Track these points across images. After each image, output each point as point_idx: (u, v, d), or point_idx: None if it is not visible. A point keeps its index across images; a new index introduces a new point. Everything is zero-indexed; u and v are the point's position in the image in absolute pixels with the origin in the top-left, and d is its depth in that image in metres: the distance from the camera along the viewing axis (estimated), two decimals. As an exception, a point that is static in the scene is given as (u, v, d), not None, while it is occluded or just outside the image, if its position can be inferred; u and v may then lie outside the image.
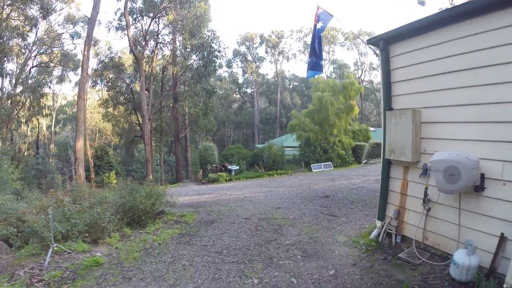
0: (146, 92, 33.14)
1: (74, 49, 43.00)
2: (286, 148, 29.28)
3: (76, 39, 42.07)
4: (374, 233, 7.21)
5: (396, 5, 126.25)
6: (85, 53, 25.76)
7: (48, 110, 40.34)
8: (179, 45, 35.67)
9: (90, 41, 26.83)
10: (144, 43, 33.50)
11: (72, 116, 63.24)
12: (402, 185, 6.66)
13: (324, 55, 73.15)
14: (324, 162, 26.20)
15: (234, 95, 79.03)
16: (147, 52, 36.52)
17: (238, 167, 25.91)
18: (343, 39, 73.00)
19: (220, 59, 34.92)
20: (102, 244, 7.45)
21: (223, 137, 74.31)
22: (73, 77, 49.18)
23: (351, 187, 14.75)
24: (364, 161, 29.70)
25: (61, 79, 46.32)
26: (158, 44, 35.86)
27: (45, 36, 40.70)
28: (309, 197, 12.74)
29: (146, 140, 30.92)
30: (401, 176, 6.65)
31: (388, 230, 6.89)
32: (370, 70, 75.34)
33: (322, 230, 8.09)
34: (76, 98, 67.21)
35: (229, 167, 25.43)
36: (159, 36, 35.31)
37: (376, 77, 76.44)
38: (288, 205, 11.57)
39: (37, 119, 40.84)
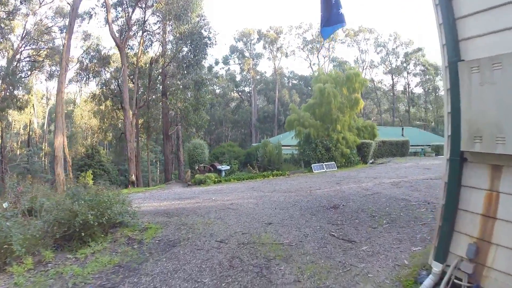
0: (131, 84, 30.56)
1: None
2: (283, 147, 26.38)
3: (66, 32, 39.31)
4: (428, 282, 4.09)
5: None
6: (66, 42, 23.81)
7: (20, 102, 37.23)
8: (167, 34, 32.85)
9: (71, 30, 24.63)
10: (127, 29, 30.56)
11: (66, 114, 61.67)
12: (487, 200, 3.55)
13: (324, 52, 71.80)
14: (326, 162, 23.19)
15: (232, 93, 77.17)
16: (135, 43, 34.07)
17: (229, 167, 23.00)
18: (344, 35, 71.55)
19: (211, 47, 31.76)
20: (5, 274, 5.30)
21: (220, 136, 72.45)
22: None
23: (363, 193, 11.66)
24: (371, 161, 26.91)
25: (50, 75, 43.91)
26: (145, 33, 33.03)
27: (34, 30, 38.68)
28: (312, 207, 9.70)
29: (128, 137, 28.12)
30: (487, 184, 3.55)
31: (456, 280, 3.80)
32: (371, 68, 73.53)
33: (335, 271, 4.95)
34: (68, 95, 65.90)
35: (219, 167, 22.52)
36: (146, 24, 32.44)
37: (377, 75, 74.74)
38: (283, 219, 8.56)
39: (6, 113, 37.83)
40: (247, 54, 72.66)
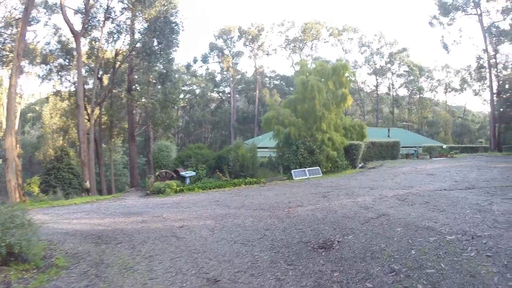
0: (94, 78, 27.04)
1: (35, 38, 36.99)
2: (261, 150, 23.23)
3: (35, 24, 35.63)
4: None
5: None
6: (20, 29, 21.07)
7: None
8: (133, 22, 29.35)
9: (27, 16, 22.26)
10: (85, 13, 27.01)
11: (40, 115, 58.76)
12: None
13: (307, 51, 70.39)
14: (309, 167, 19.82)
15: (211, 94, 74.01)
16: (100, 34, 30.39)
17: (194, 173, 19.35)
18: (327, 34, 69.91)
19: (178, 34, 28.10)
20: None
21: (199, 137, 69.16)
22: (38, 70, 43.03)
23: (364, 214, 8.28)
24: (360, 165, 23.74)
25: (21, 72, 39.77)
26: (109, 20, 29.43)
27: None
28: (289, 244, 6.28)
29: (81, 137, 24.66)
30: None
31: None
32: (354, 68, 71.47)
33: None
34: (42, 95, 61.92)
35: (182, 173, 18.92)
36: (109, 10, 28.87)
37: (360, 75, 74.56)
38: (240, 269, 5.27)
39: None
40: (227, 52, 69.45)
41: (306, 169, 19.42)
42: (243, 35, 68.04)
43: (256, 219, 8.61)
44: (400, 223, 7.15)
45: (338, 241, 6.14)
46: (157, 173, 19.49)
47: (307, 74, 22.21)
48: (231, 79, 68.83)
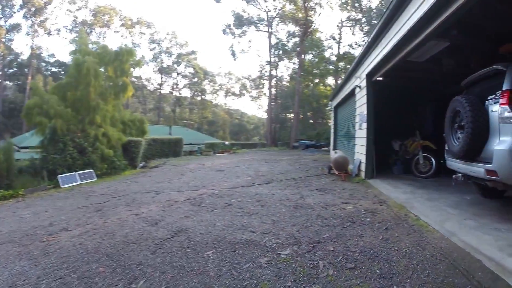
0: None
1: None
2: (25, 151, 19.61)
3: None
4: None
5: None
6: None
7: None
8: None
9: None
10: None
11: None
12: None
13: (94, 37, 65.67)
14: (80, 170, 16.10)
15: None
16: None
17: None
18: (120, 24, 67.65)
19: None
20: None
21: None
22: None
23: (153, 233, 5.81)
24: (142, 164, 21.66)
25: None
26: None
27: None
28: None
29: None
30: None
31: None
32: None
33: None
34: None
35: None
36: None
37: (146, 73, 74.92)
38: None
39: None
40: (2, 22, 57.05)
41: (77, 173, 15.66)
42: (26, 5, 57.08)
43: (-2, 267, 5.11)
44: (208, 242, 5.15)
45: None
46: None
47: (85, 55, 18.69)
48: (1, 59, 57.48)
